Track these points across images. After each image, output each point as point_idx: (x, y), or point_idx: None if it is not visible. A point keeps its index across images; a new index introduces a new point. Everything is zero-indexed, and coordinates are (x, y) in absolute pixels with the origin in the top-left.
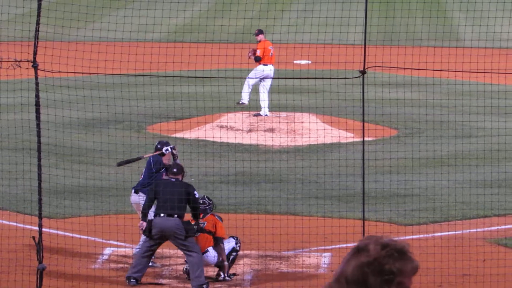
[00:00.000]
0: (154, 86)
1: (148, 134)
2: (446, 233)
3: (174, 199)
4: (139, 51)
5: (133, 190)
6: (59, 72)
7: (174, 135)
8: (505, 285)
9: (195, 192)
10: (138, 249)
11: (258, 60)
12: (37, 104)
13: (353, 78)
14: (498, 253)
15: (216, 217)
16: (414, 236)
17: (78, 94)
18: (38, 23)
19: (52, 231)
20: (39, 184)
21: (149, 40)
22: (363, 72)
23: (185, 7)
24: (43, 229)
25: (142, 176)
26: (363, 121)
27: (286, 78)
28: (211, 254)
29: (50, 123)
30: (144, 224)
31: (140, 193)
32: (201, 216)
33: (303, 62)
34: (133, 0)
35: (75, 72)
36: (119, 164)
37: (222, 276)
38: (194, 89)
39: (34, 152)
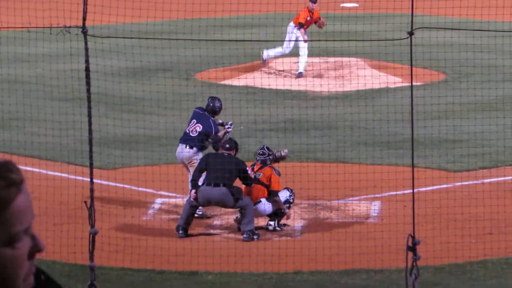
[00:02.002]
0: (203, 32)
1: (197, 81)
2: (496, 179)
3: (224, 170)
4: None
5: (184, 145)
6: (109, 37)
7: (222, 82)
8: None
9: (247, 168)
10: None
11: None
12: (87, 70)
13: (400, 39)
14: None
15: (274, 170)
16: (464, 183)
17: (126, 42)
18: None
19: (103, 182)
20: (90, 134)
21: None
22: (410, 34)
23: None
24: (94, 180)
25: (195, 135)
26: (411, 69)
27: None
28: (263, 204)
29: (99, 73)
30: (194, 194)
31: (194, 148)
32: (259, 166)
33: (351, 5)
34: None
35: (122, 20)
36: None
37: (273, 225)
38: (242, 35)
39: (83, 102)
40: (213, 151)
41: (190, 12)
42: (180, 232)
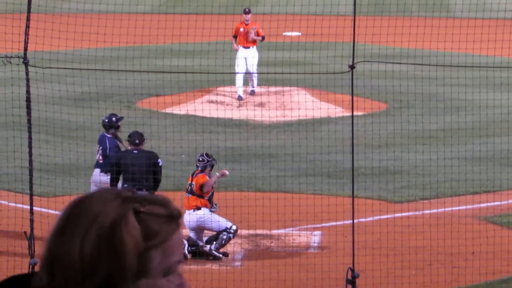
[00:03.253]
0: (144, 59)
1: (138, 109)
2: (436, 210)
3: (141, 171)
4: (129, 23)
5: (99, 170)
6: (50, 67)
7: (164, 110)
8: (494, 263)
9: (159, 160)
10: None
11: (263, 39)
12: (28, 100)
13: (342, 73)
14: (487, 231)
15: (208, 176)
16: (404, 214)
17: (68, 68)
18: (29, 13)
19: (43, 209)
20: (30, 162)
21: (140, 12)
22: (352, 67)
23: None
24: (34, 208)
25: (101, 159)
26: (352, 100)
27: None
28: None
29: (40, 98)
30: None
31: (108, 174)
32: (198, 173)
33: (293, 34)
34: None
35: (64, 47)
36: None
37: (209, 248)
38: (184, 62)
39: (24, 129)
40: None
41: (132, 37)
42: None
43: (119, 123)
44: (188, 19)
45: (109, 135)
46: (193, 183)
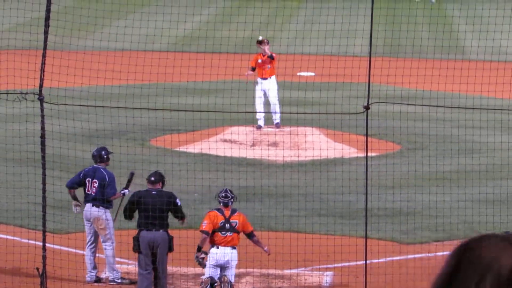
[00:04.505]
0: (159, 97)
1: (152, 147)
2: (448, 252)
3: (162, 211)
4: (145, 61)
5: (90, 204)
6: (65, 104)
7: (177, 149)
8: None
9: (178, 200)
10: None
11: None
12: (42, 137)
13: (357, 113)
14: None
15: (242, 214)
16: (416, 255)
17: (82, 104)
18: (45, 50)
19: (55, 246)
20: (44, 198)
21: (155, 49)
22: (367, 108)
23: (188, 17)
24: (47, 244)
25: (95, 192)
26: (366, 139)
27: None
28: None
29: (54, 134)
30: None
31: (101, 207)
32: (228, 212)
33: (307, 74)
34: (134, 11)
35: (80, 83)
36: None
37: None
38: (199, 101)
39: (38, 165)
40: (141, 190)
41: (147, 75)
42: None
43: (109, 156)
44: (204, 58)
45: (101, 167)
46: (235, 221)
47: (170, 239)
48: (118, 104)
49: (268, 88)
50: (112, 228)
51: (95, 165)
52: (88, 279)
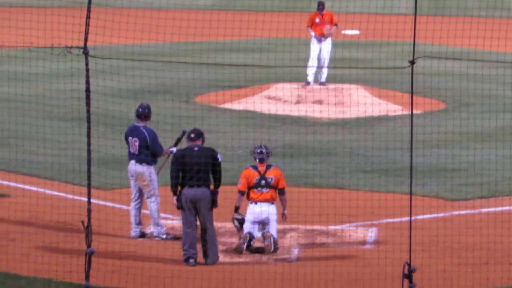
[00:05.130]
0: (204, 55)
1: (197, 104)
2: (493, 209)
3: (205, 168)
4: (190, 18)
5: (134, 161)
6: (110, 59)
7: (222, 106)
8: None
9: (219, 156)
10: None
11: (337, 26)
12: (88, 90)
13: (402, 68)
14: None
15: (279, 169)
16: (461, 212)
17: (127, 64)
18: (89, 4)
19: (100, 202)
20: (88, 154)
21: (200, 7)
22: (412, 62)
23: None
24: (92, 200)
25: (136, 150)
26: (411, 96)
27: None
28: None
29: (99, 94)
30: (175, 201)
31: (144, 164)
32: (263, 167)
33: (352, 32)
34: None
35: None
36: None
37: (267, 243)
38: (244, 59)
39: (83, 122)
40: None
41: (192, 36)
42: (191, 261)
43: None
44: (248, 15)
45: (141, 125)
46: (270, 177)
47: (214, 194)
48: (162, 62)
49: (324, 46)
50: (156, 183)
51: (135, 123)
52: (132, 234)
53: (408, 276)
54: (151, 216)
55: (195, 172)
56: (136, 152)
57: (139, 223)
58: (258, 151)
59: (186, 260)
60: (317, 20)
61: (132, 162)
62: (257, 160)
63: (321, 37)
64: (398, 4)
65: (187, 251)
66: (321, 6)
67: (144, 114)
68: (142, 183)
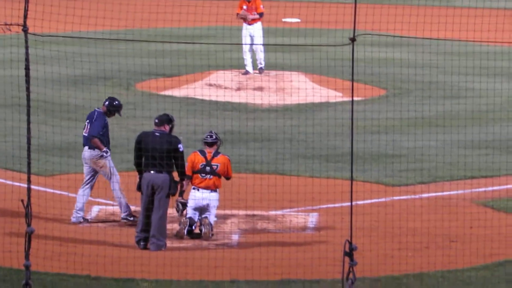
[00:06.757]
0: (144, 43)
1: (137, 91)
2: (434, 194)
3: (156, 155)
4: (129, 8)
5: (87, 147)
6: (49, 35)
7: (162, 93)
8: (492, 246)
9: (180, 145)
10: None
11: (262, 16)
12: (27, 68)
13: (342, 45)
14: (486, 214)
15: (228, 157)
16: (402, 197)
17: (67, 50)
18: None
19: (40, 188)
20: (28, 141)
21: None
22: (352, 40)
23: None
24: (32, 186)
25: (87, 131)
26: (352, 82)
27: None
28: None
29: (39, 80)
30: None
31: (96, 149)
32: (211, 154)
33: (292, 20)
34: None
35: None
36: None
37: (205, 230)
38: (184, 47)
39: (23, 108)
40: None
41: (131, 21)
42: (142, 244)
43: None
44: (187, 4)
45: (99, 110)
46: (216, 164)
47: (171, 181)
48: (103, 49)
49: (253, 33)
50: (109, 163)
51: (96, 109)
52: (73, 219)
53: (349, 254)
54: (115, 196)
55: (151, 158)
56: (86, 134)
57: (81, 209)
58: (207, 135)
59: (138, 243)
60: (244, 7)
61: (86, 148)
62: (205, 144)
63: (249, 24)
64: None
65: (139, 233)
66: None
67: (106, 106)
68: (96, 167)
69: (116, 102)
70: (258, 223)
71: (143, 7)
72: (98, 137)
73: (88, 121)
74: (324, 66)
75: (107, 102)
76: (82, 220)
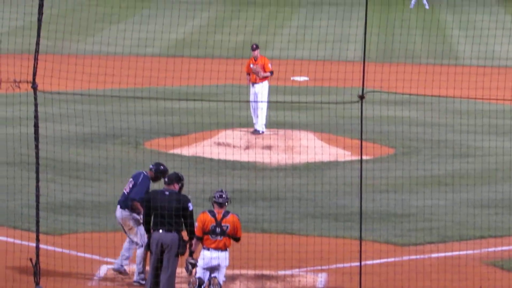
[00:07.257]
0: (153, 101)
1: (146, 150)
2: (443, 254)
3: (165, 214)
4: (138, 65)
5: (119, 205)
6: (58, 93)
7: (171, 151)
8: None
9: (190, 204)
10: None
11: (272, 74)
12: (36, 126)
13: (351, 103)
14: (495, 274)
15: (237, 216)
16: (411, 257)
17: (76, 108)
18: (37, 43)
19: (49, 247)
20: (37, 199)
21: (148, 54)
22: (361, 97)
23: (182, 21)
24: (40, 245)
25: (127, 190)
26: (361, 141)
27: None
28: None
29: (48, 138)
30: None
31: (127, 209)
32: (221, 214)
33: (301, 78)
34: (133, 14)
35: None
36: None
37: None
38: (193, 105)
39: (31, 167)
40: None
41: (140, 79)
42: None
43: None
44: (196, 62)
45: (146, 173)
46: (226, 224)
47: (180, 240)
48: (112, 107)
49: (258, 91)
50: (140, 230)
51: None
52: (115, 266)
53: None
54: (123, 249)
55: (160, 217)
56: (126, 193)
57: (127, 258)
58: (218, 195)
59: None
60: (252, 66)
61: (118, 207)
62: (215, 204)
63: (254, 83)
64: (347, 50)
65: None
66: (254, 46)
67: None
68: (126, 227)
69: (162, 167)
70: (267, 283)
71: (152, 65)
72: (139, 201)
73: (132, 180)
74: (333, 124)
75: (154, 167)
76: (119, 268)
